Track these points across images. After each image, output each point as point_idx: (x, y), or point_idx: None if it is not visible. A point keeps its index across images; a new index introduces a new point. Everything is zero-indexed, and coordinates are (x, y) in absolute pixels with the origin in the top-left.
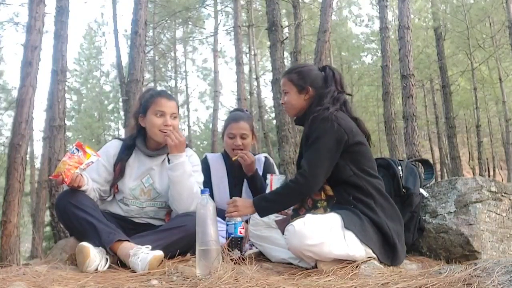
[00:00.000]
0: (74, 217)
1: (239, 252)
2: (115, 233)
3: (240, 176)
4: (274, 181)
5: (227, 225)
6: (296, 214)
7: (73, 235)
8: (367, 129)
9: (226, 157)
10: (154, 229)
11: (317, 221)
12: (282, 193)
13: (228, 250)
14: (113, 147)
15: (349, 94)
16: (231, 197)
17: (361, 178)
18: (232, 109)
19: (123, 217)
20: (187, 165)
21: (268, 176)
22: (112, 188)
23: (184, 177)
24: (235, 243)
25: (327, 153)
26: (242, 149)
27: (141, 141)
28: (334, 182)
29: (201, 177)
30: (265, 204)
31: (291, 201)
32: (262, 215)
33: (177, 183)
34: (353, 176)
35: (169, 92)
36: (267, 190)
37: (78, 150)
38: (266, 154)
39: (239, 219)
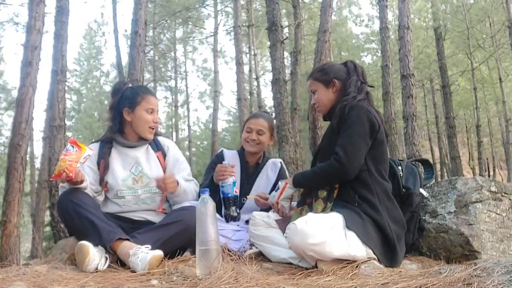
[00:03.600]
0: (76, 215)
1: (237, 210)
2: (115, 232)
3: (253, 174)
4: (287, 189)
5: (222, 186)
6: (303, 200)
7: (73, 234)
8: (385, 127)
9: (241, 154)
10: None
11: (319, 220)
12: (318, 173)
13: (226, 209)
14: (92, 147)
15: (371, 86)
16: (241, 193)
17: (372, 176)
18: (232, 109)
19: (121, 216)
20: (183, 186)
21: (281, 183)
22: (102, 186)
23: (183, 197)
24: (232, 202)
25: (362, 139)
26: (257, 144)
27: (118, 135)
28: None
29: (188, 169)
30: (301, 179)
31: (324, 183)
32: (295, 186)
33: (178, 201)
34: (365, 172)
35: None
36: (276, 196)
37: (73, 147)
38: (281, 160)
39: (231, 180)
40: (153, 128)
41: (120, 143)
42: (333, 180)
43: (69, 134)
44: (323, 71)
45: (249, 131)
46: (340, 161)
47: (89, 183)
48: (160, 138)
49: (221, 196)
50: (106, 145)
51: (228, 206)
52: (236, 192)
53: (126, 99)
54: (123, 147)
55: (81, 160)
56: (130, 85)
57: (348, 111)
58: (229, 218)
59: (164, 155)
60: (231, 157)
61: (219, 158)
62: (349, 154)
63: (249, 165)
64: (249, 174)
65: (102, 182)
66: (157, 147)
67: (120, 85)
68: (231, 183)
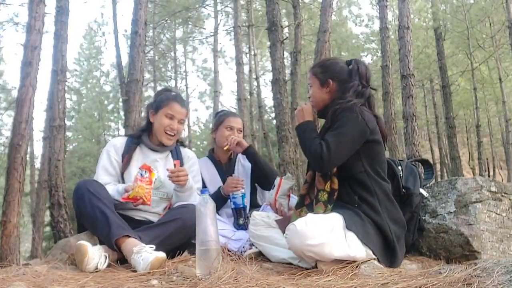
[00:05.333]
0: (90, 204)
1: (245, 219)
2: (124, 228)
3: (229, 169)
4: (283, 185)
5: (234, 197)
6: (302, 202)
7: (83, 222)
8: (386, 130)
9: (212, 157)
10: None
11: (318, 221)
12: (307, 140)
13: (236, 218)
14: (118, 140)
15: (374, 89)
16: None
17: (370, 177)
18: (232, 109)
19: (123, 215)
20: (191, 183)
21: (277, 179)
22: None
23: (188, 194)
24: (243, 212)
25: (349, 141)
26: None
27: (146, 135)
28: (343, 176)
29: (200, 183)
30: (300, 131)
31: (304, 149)
32: (297, 129)
33: (182, 198)
34: (363, 173)
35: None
36: (273, 194)
37: (146, 172)
38: None
39: (242, 191)
40: (170, 135)
41: (144, 144)
42: (309, 156)
43: (69, 134)
44: (322, 67)
45: (231, 129)
46: (322, 155)
47: (115, 177)
48: (183, 149)
49: (233, 206)
50: (133, 141)
51: (239, 216)
52: (246, 202)
53: (156, 102)
54: (146, 148)
55: (153, 186)
56: (174, 93)
57: (339, 112)
58: (240, 226)
59: (181, 165)
60: (204, 164)
61: None
62: (332, 153)
63: (222, 164)
64: (226, 171)
65: (122, 174)
66: (177, 155)
67: (163, 89)
68: (242, 195)
